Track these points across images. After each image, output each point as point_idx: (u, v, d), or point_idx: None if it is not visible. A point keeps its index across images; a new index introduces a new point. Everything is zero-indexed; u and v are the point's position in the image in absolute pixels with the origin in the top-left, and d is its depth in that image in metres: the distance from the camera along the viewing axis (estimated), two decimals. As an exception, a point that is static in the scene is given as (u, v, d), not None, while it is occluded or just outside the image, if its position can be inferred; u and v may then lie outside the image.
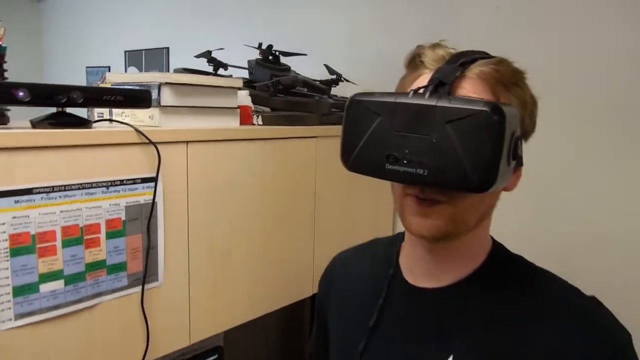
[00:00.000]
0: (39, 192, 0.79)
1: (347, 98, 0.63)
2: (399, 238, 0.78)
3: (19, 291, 0.79)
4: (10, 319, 0.78)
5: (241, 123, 1.19)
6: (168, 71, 2.58)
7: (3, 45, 0.88)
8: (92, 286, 0.88)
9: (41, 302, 0.81)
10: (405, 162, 0.56)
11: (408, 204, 0.63)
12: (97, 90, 0.86)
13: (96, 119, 1.01)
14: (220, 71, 1.43)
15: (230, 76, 1.39)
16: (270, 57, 1.43)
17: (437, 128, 0.54)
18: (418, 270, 0.71)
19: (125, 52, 2.96)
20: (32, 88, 0.77)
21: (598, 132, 1.32)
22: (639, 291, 1.27)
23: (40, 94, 0.78)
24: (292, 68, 1.49)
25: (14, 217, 0.77)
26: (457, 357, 0.63)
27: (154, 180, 0.94)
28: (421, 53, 0.66)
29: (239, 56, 1.53)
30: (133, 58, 2.92)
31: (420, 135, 0.55)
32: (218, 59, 1.41)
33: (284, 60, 1.48)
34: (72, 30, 3.50)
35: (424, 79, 0.63)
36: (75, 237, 0.85)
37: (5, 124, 0.88)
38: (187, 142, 1.00)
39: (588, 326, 0.59)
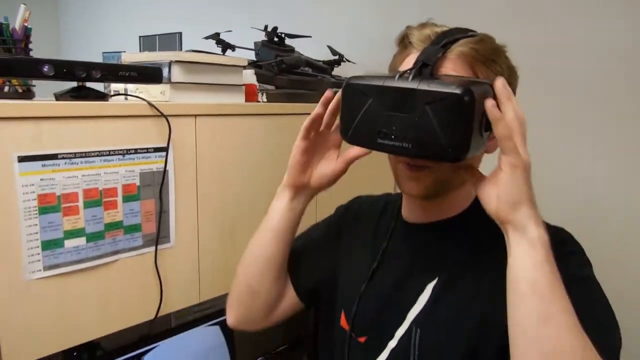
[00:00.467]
0: (62, 158, 0.89)
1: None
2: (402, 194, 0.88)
3: (47, 245, 0.89)
4: (40, 270, 0.88)
5: (247, 101, 1.28)
6: (181, 55, 2.66)
7: (28, 26, 0.97)
8: (110, 244, 0.98)
9: (66, 256, 0.91)
10: (392, 137, 0.65)
11: (400, 169, 0.74)
12: (113, 66, 0.95)
13: (113, 93, 1.10)
14: (228, 52, 1.51)
15: (238, 57, 1.47)
16: (276, 39, 1.50)
17: (418, 108, 0.62)
18: (414, 212, 0.82)
19: (140, 37, 3.06)
20: (55, 64, 0.86)
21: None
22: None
23: (63, 69, 0.87)
24: (296, 49, 1.57)
25: (42, 179, 0.87)
26: (441, 281, 0.74)
27: (165, 150, 1.03)
28: (409, 34, 0.74)
29: (248, 40, 1.61)
30: (147, 43, 3.01)
31: (404, 115, 0.63)
32: (226, 41, 1.49)
33: (289, 42, 1.56)
34: (89, 17, 3.61)
35: (411, 59, 0.71)
36: (95, 199, 0.94)
37: (31, 99, 0.98)
38: (196, 115, 1.09)
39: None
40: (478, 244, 0.75)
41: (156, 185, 1.04)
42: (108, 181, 0.96)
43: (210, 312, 1.36)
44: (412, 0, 1.71)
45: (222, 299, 1.34)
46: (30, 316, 0.88)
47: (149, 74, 0.99)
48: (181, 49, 2.76)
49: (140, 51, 3.07)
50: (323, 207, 1.00)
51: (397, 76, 0.66)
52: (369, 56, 1.74)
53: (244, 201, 1.23)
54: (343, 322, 0.82)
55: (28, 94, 0.98)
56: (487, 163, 0.75)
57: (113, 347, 1.14)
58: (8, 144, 0.82)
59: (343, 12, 1.91)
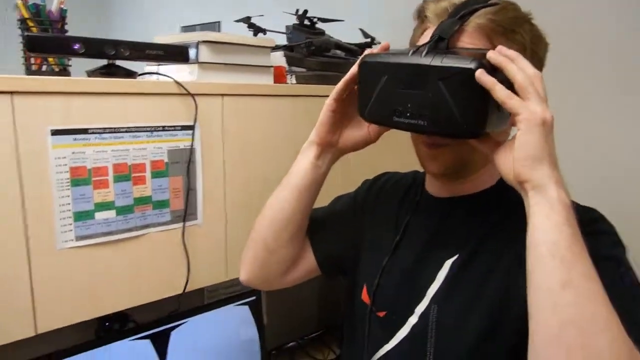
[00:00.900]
0: (93, 133, 0.92)
1: None
2: None
3: (78, 216, 0.93)
4: (72, 240, 0.93)
5: (275, 82, 1.29)
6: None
7: (64, 8, 1.02)
8: (139, 218, 1.01)
9: (96, 227, 0.95)
10: (408, 114, 0.64)
11: (421, 149, 0.74)
12: (141, 45, 0.97)
13: (141, 72, 1.13)
14: (260, 36, 1.53)
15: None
16: (307, 22, 1.50)
17: (432, 85, 0.61)
18: (437, 187, 0.81)
19: (181, 27, 3.13)
20: (86, 42, 0.90)
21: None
22: None
23: (93, 47, 0.91)
24: (329, 33, 1.56)
25: (73, 153, 0.91)
26: (461, 258, 0.72)
27: (192, 128, 1.06)
28: (425, 7, 0.72)
29: (282, 26, 1.61)
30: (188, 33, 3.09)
31: (418, 91, 0.62)
32: (257, 24, 1.50)
33: (322, 26, 1.56)
34: (131, 8, 3.73)
35: (428, 33, 0.69)
36: (124, 174, 0.98)
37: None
38: (223, 94, 1.11)
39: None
40: (500, 221, 0.72)
41: (184, 163, 1.06)
42: (137, 157, 0.99)
43: (240, 291, 1.38)
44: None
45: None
46: (63, 284, 0.92)
47: (175, 53, 1.02)
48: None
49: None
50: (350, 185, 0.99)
51: (410, 52, 0.65)
52: (401, 38, 1.71)
53: (270, 181, 1.24)
54: (364, 295, 0.82)
55: (64, 73, 1.02)
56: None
57: (143, 320, 1.19)
58: (42, 117, 0.86)
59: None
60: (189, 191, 1.08)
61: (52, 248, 0.90)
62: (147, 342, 1.15)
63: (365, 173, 0.98)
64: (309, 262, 0.89)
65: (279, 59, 1.34)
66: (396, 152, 1.33)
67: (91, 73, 0.94)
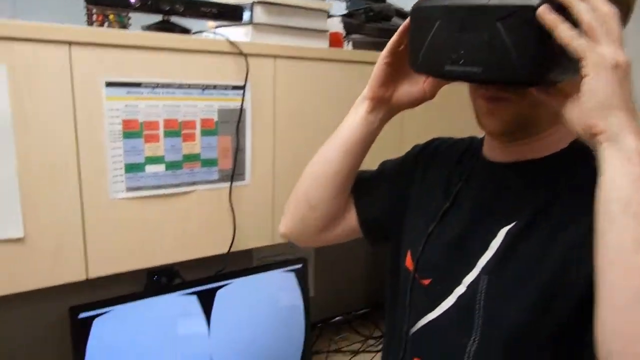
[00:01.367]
0: (145, 87, 0.94)
1: None
2: None
3: (129, 168, 0.95)
4: (123, 191, 0.96)
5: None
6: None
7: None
8: (188, 175, 1.03)
9: (146, 180, 0.98)
10: (461, 61, 0.59)
11: (479, 105, 0.68)
12: (196, 2, 0.98)
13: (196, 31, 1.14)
14: None
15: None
16: (368, -11, 1.46)
17: (489, 26, 0.56)
18: (495, 151, 0.74)
19: None
20: (142, -4, 0.91)
21: None
22: None
23: (148, 1, 0.92)
24: (390, 1, 1.51)
25: (126, 105, 0.93)
26: (518, 226, 0.66)
27: (243, 88, 1.05)
28: None
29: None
30: None
31: (473, 35, 0.57)
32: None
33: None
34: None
35: None
36: (175, 129, 0.99)
37: (127, 35, 1.05)
38: (275, 56, 1.10)
39: None
40: (569, 190, 0.65)
41: (233, 123, 1.07)
42: (187, 113, 1.00)
43: (287, 258, 1.39)
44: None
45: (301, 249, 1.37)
46: (114, 232, 0.96)
47: (229, 11, 1.02)
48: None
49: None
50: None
51: None
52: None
53: (319, 147, 1.22)
54: (408, 261, 0.78)
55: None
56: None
57: (190, 277, 1.22)
58: (98, 69, 0.89)
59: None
60: (238, 151, 1.08)
61: (104, 197, 0.94)
62: (194, 297, 1.18)
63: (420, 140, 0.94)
64: (350, 222, 0.87)
65: (336, 24, 1.31)
66: (453, 120, 1.27)
67: (146, 28, 0.96)
